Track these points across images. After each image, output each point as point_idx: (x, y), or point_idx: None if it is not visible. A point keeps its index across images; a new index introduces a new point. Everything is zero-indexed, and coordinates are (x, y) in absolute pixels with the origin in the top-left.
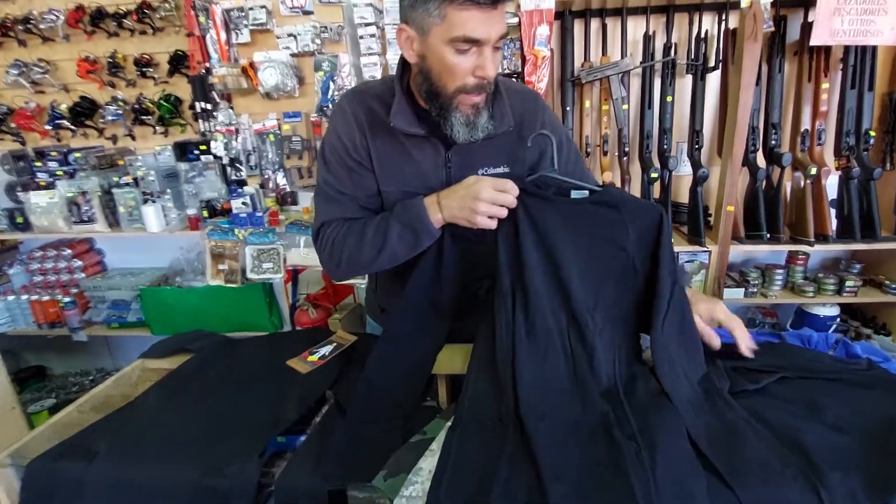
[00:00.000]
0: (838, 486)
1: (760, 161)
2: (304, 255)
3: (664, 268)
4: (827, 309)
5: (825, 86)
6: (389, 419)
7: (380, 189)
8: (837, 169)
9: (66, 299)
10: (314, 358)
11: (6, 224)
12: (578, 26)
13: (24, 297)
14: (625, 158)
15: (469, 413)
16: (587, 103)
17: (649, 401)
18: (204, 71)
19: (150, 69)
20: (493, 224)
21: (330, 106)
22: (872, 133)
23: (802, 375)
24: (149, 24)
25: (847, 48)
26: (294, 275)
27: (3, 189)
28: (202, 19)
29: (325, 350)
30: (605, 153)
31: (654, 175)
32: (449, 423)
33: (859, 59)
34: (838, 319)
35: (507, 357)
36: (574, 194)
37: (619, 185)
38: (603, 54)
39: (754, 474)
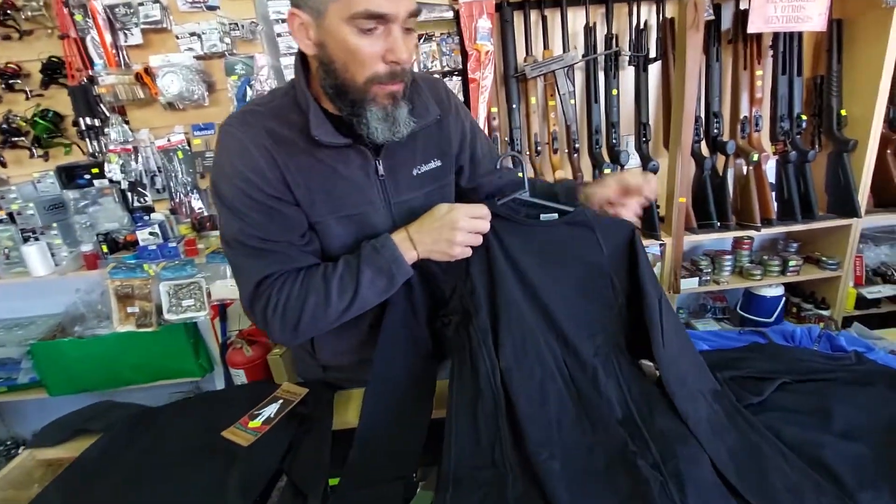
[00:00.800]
0: None
1: (704, 150)
2: (231, 286)
3: (647, 282)
4: (773, 290)
5: (760, 73)
6: (389, 481)
7: (310, 222)
8: (775, 154)
9: None
10: (256, 423)
11: None
12: (518, 19)
13: None
14: (575, 155)
15: (457, 467)
16: (533, 100)
17: (667, 425)
18: (86, 80)
19: (19, 80)
20: (468, 253)
21: None
22: (804, 117)
23: (800, 379)
24: (12, 26)
25: (776, 35)
26: (222, 310)
27: None
28: (79, 18)
29: (270, 410)
30: (556, 151)
31: (606, 171)
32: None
33: (787, 46)
34: (784, 299)
35: (496, 393)
36: (544, 216)
37: None
38: (545, 48)
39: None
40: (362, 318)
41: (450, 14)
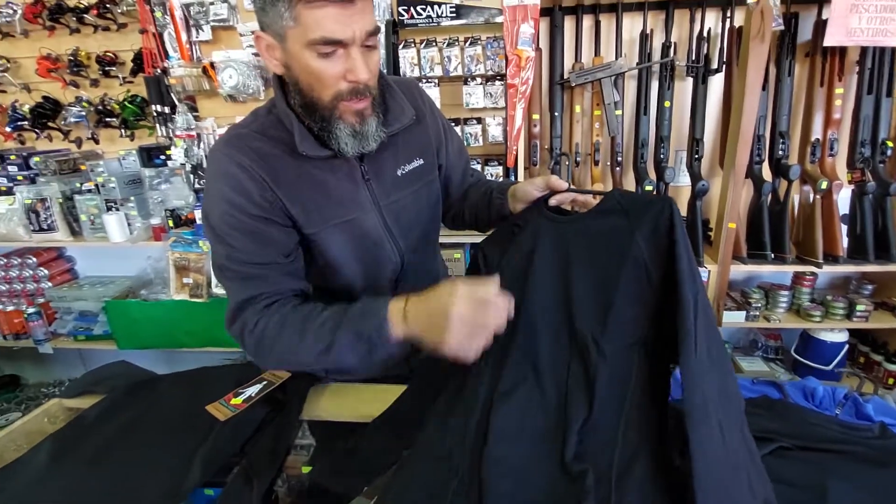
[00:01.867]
0: None
1: (766, 173)
2: None
3: (683, 275)
4: (835, 335)
5: (839, 91)
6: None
7: (306, 235)
8: (850, 182)
9: (31, 310)
10: (238, 400)
11: None
12: (569, 23)
13: None
14: (617, 169)
15: (413, 453)
16: (577, 108)
17: (648, 477)
18: (160, 71)
19: (114, 68)
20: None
21: None
22: (890, 143)
23: (804, 445)
24: (111, 19)
25: (864, 49)
26: None
27: None
28: (158, 14)
29: (252, 390)
30: (597, 163)
31: (648, 187)
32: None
33: (877, 62)
34: (847, 346)
35: (471, 401)
36: None
37: None
38: (595, 55)
39: None
40: None
41: (500, 18)
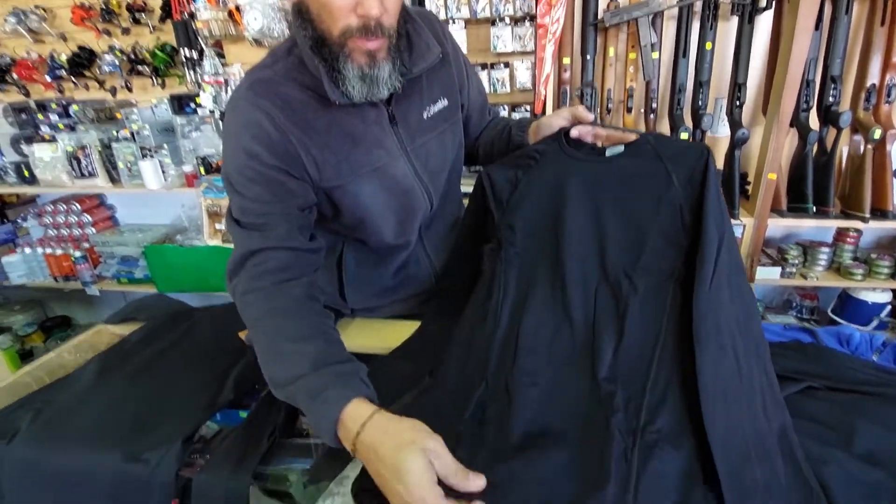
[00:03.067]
0: None
1: (813, 121)
2: None
3: (710, 214)
4: (877, 294)
5: None
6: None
7: (333, 188)
8: None
9: (78, 254)
10: None
11: (15, 178)
12: None
13: (40, 250)
14: (651, 116)
15: (438, 372)
16: (611, 51)
17: (675, 402)
18: (187, 15)
19: (143, 14)
20: None
21: None
22: None
23: (834, 386)
24: None
25: None
26: None
27: (9, 142)
28: None
29: None
30: (630, 109)
31: (683, 135)
32: None
33: None
34: (889, 308)
35: (498, 319)
36: (609, 151)
37: None
38: None
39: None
40: (386, 264)
41: None
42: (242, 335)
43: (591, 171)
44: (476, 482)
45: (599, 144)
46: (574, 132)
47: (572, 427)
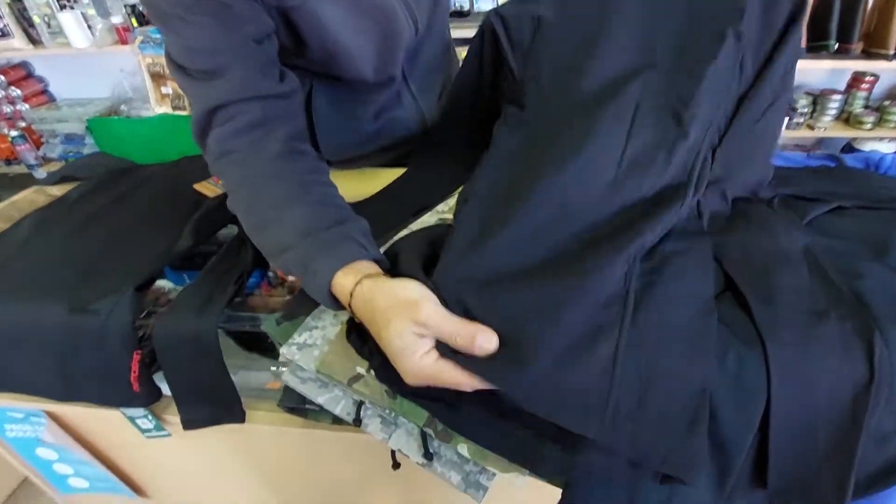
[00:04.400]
0: None
1: None
2: None
3: (774, 72)
4: (884, 145)
5: None
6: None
7: (287, 11)
8: None
9: (14, 133)
10: None
11: None
12: None
13: None
14: None
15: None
16: None
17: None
18: None
19: None
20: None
21: None
22: None
23: (865, 205)
24: None
25: None
26: None
27: None
28: None
29: None
30: None
31: None
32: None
33: None
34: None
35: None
36: None
37: None
38: None
39: (791, 313)
40: (364, 105)
41: None
42: (199, 187)
43: None
44: (485, 345)
45: None
46: None
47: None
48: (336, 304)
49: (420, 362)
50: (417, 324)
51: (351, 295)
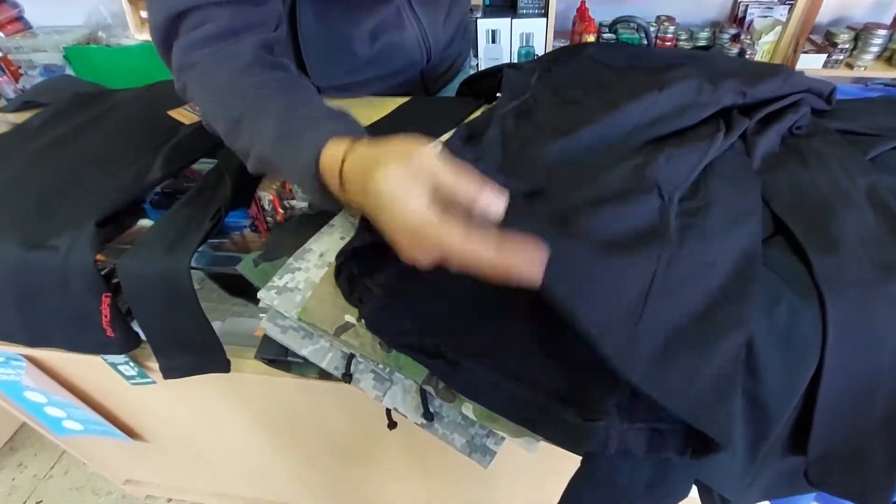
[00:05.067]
0: None
1: None
2: None
3: None
4: None
5: None
6: None
7: None
8: None
9: None
10: None
11: None
12: None
13: None
14: None
15: None
16: None
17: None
18: None
19: None
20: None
21: None
22: None
23: None
24: None
25: None
26: None
27: None
28: None
29: None
30: None
31: None
32: None
33: None
34: None
35: None
36: None
37: None
38: None
39: (856, 265)
40: (357, 23)
41: None
42: (174, 113)
43: None
44: (492, 204)
45: None
46: None
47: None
48: (324, 192)
49: (410, 207)
50: (411, 167)
51: (343, 162)
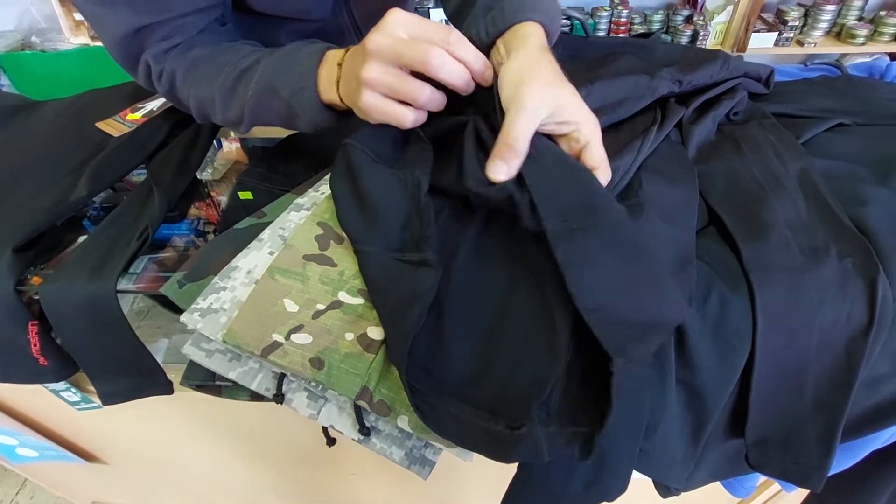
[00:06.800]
0: None
1: None
2: None
3: None
4: (875, 62)
5: None
6: None
7: None
8: None
9: None
10: (136, 116)
11: None
12: None
13: None
14: None
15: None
16: None
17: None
18: None
19: None
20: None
21: None
22: None
23: (868, 122)
24: None
25: None
26: None
27: None
28: None
29: (154, 104)
30: None
31: None
32: (302, 198)
33: None
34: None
35: None
36: None
37: None
38: None
39: (784, 252)
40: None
41: None
42: (102, 126)
43: None
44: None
45: None
46: None
47: None
48: (322, 107)
49: (400, 19)
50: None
51: (340, 66)
